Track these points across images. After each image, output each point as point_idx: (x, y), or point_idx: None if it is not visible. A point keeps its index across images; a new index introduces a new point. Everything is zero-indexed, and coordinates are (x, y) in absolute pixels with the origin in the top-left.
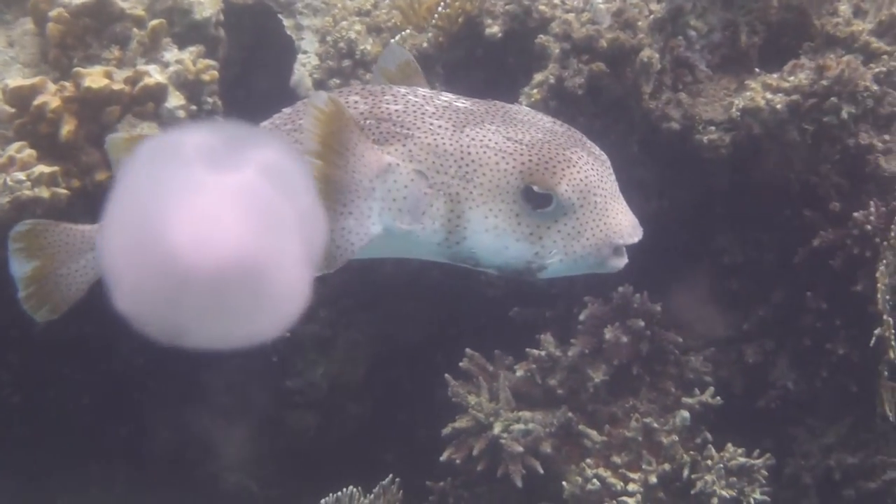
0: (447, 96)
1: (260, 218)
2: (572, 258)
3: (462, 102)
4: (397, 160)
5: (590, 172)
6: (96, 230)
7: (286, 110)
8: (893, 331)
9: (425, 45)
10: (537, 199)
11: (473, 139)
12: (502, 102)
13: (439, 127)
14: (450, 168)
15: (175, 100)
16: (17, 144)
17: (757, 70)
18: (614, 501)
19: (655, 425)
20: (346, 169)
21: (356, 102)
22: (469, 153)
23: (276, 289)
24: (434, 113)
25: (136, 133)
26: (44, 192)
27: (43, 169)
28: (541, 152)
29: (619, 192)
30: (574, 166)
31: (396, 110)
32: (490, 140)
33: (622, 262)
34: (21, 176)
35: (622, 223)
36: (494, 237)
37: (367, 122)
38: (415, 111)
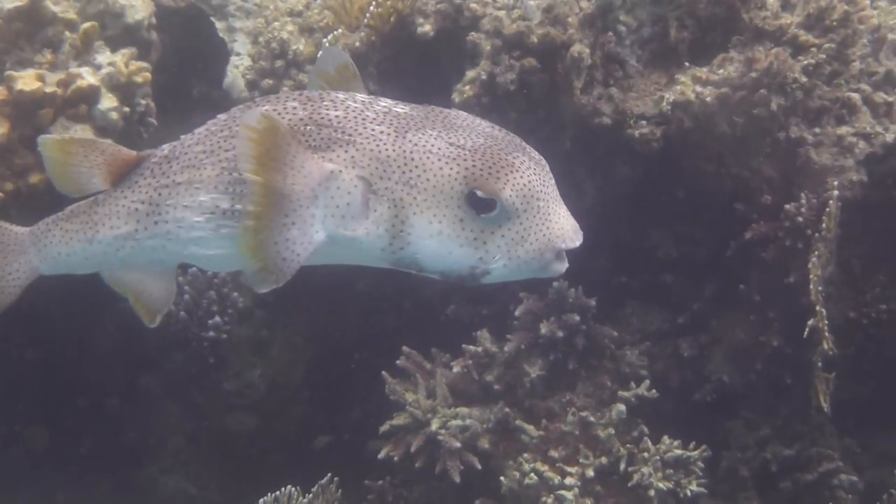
0: (386, 102)
1: None
2: (516, 263)
3: (401, 108)
4: (339, 167)
5: (532, 177)
6: (28, 233)
7: (221, 116)
8: (826, 322)
9: (358, 44)
10: (481, 205)
11: (416, 144)
12: (440, 107)
13: (381, 132)
14: (393, 174)
15: (108, 102)
16: None
17: (687, 64)
18: (552, 495)
19: (592, 419)
20: (286, 182)
21: (294, 108)
22: (412, 159)
23: None
24: (375, 119)
25: (67, 135)
26: None
27: None
28: (484, 157)
29: (559, 197)
30: (517, 171)
31: (336, 116)
32: (433, 145)
33: (563, 266)
34: None
35: (564, 227)
36: (438, 243)
37: (307, 127)
38: (355, 117)
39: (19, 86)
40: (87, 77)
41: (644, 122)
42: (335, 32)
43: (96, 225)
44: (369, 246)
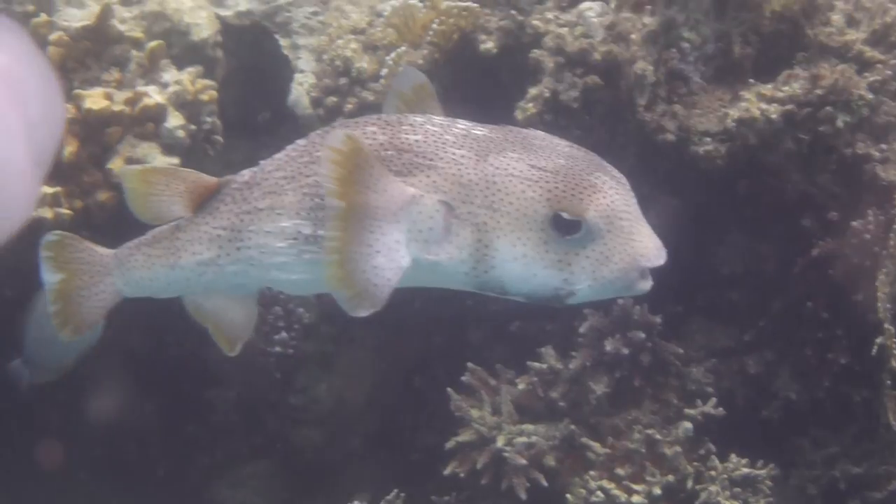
0: (463, 124)
1: None
2: (601, 283)
3: (479, 130)
4: (421, 191)
5: (615, 197)
6: (113, 256)
7: (300, 142)
8: (895, 339)
9: (421, 61)
10: (566, 227)
11: (497, 168)
12: (517, 128)
13: (462, 156)
14: (475, 198)
15: (174, 120)
16: None
17: (751, 81)
18: None
19: (658, 437)
20: (369, 206)
21: (374, 133)
22: (494, 182)
23: None
24: (454, 142)
25: (148, 165)
26: (47, 213)
27: (45, 190)
28: (566, 179)
29: (641, 214)
30: (600, 192)
31: (416, 140)
32: (514, 168)
33: (648, 284)
34: None
35: (648, 246)
36: (523, 266)
37: (388, 153)
38: (435, 141)
39: (87, 104)
40: (154, 95)
41: (708, 139)
42: (398, 50)
43: (178, 251)
44: (453, 270)
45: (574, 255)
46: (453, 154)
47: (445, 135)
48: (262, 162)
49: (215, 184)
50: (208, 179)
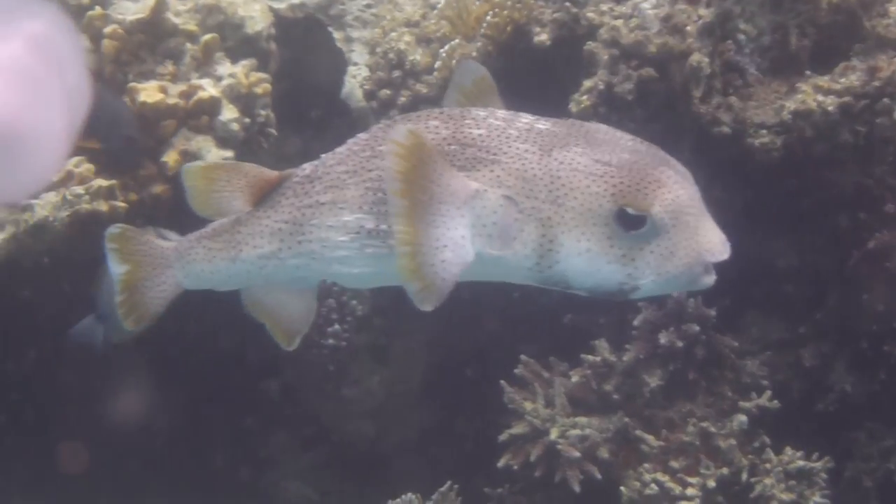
0: (526, 118)
1: (18, 86)
2: (665, 278)
3: (542, 124)
4: (485, 186)
5: (680, 192)
6: (173, 249)
7: (362, 136)
8: None
9: (474, 54)
10: (631, 222)
11: (562, 162)
12: (580, 122)
13: (526, 151)
14: (540, 192)
15: (229, 113)
16: (75, 159)
17: (807, 72)
18: None
19: (713, 429)
20: (433, 201)
21: (436, 127)
22: (559, 177)
23: (28, 156)
24: (518, 136)
25: (210, 161)
26: (102, 206)
27: (101, 183)
28: (631, 174)
29: (705, 208)
30: (665, 186)
31: (480, 135)
32: (578, 163)
33: (712, 279)
34: (80, 190)
35: (712, 240)
36: (587, 260)
37: (451, 147)
38: (498, 135)
39: (142, 98)
40: (209, 88)
41: (764, 132)
42: (452, 43)
43: (239, 244)
44: (516, 265)
45: (638, 250)
46: (517, 149)
47: (509, 129)
48: (323, 156)
49: (276, 178)
50: (269, 173)
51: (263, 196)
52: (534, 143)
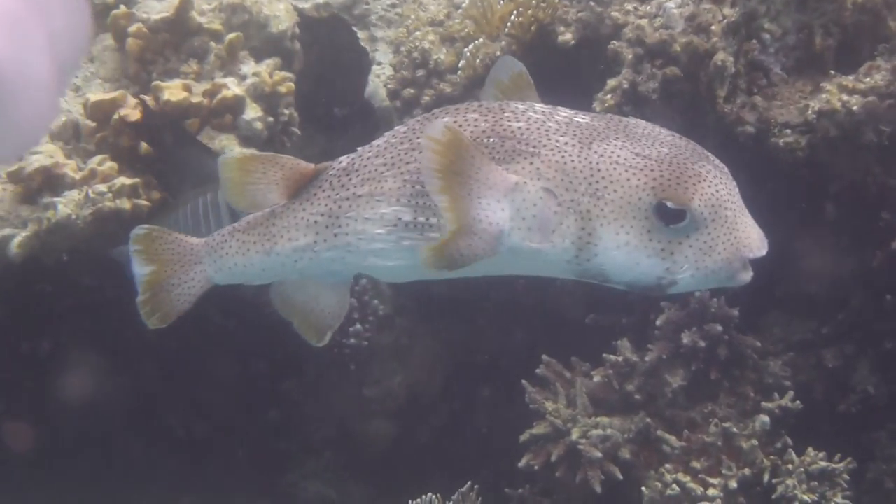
0: (565, 112)
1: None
2: (703, 273)
3: (581, 118)
4: (524, 178)
5: (720, 186)
6: (203, 244)
7: (400, 128)
8: None
9: (499, 53)
10: (670, 215)
11: (602, 155)
12: (619, 116)
13: (566, 143)
14: (580, 185)
15: (252, 112)
16: (98, 157)
17: (832, 72)
18: None
19: (735, 430)
20: (472, 196)
21: (476, 120)
22: (599, 170)
23: (16, 107)
24: (557, 129)
25: (247, 152)
26: (125, 204)
27: (124, 181)
28: (671, 167)
29: (744, 204)
30: (705, 180)
31: (519, 127)
32: (619, 156)
33: (749, 275)
34: (103, 188)
35: (751, 236)
36: (626, 254)
37: (490, 139)
38: (538, 128)
39: (166, 96)
40: (233, 87)
41: (789, 131)
42: (476, 42)
43: (274, 237)
44: (555, 258)
45: (677, 245)
46: (557, 141)
47: (548, 122)
48: (359, 148)
49: (312, 170)
50: (305, 166)
51: (299, 189)
52: (573, 136)
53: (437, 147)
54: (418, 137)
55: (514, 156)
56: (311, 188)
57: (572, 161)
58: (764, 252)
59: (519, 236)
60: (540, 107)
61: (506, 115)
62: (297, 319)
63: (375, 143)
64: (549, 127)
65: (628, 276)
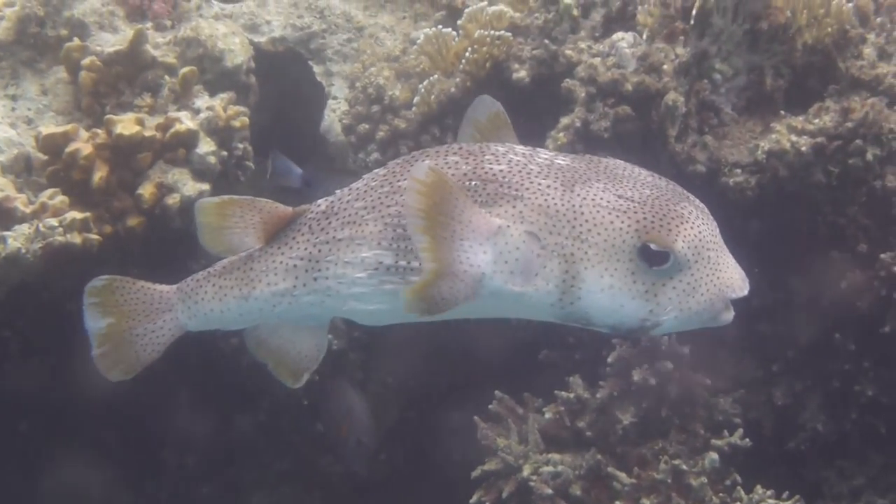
0: (546, 154)
1: None
2: (687, 315)
3: (562, 160)
4: (507, 222)
5: (702, 227)
6: (175, 291)
7: (380, 171)
8: None
9: (453, 90)
10: (654, 258)
11: (585, 199)
12: (597, 157)
13: (548, 187)
14: (563, 228)
15: (206, 146)
16: (49, 191)
17: (782, 113)
18: None
19: (685, 467)
20: (455, 238)
21: (457, 163)
22: (582, 213)
23: None
24: (539, 172)
25: (226, 197)
26: (76, 238)
27: (75, 215)
28: (654, 209)
29: (724, 245)
30: (687, 222)
31: (501, 170)
32: (601, 199)
33: (731, 315)
34: (53, 222)
35: (733, 276)
36: (610, 297)
37: (472, 182)
38: (519, 171)
39: (119, 129)
40: (186, 121)
41: (739, 171)
42: (431, 78)
43: (252, 282)
44: (538, 301)
45: (661, 287)
46: (539, 184)
47: (529, 165)
48: (338, 191)
49: (290, 214)
50: (283, 209)
51: (276, 232)
52: (555, 179)
53: (421, 188)
54: (399, 180)
55: (497, 199)
56: (289, 232)
57: (555, 204)
58: (746, 291)
59: (502, 279)
60: (520, 149)
61: (487, 157)
62: (273, 362)
63: (354, 185)
64: (531, 170)
65: (612, 319)
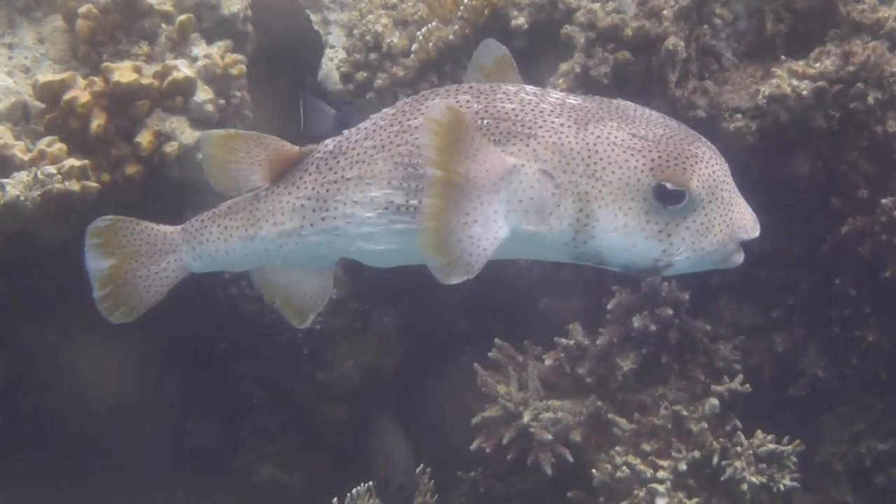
0: (557, 94)
1: None
2: (699, 255)
3: (573, 99)
4: (521, 161)
5: (716, 168)
6: (179, 232)
7: (388, 111)
8: None
9: (451, 37)
10: (669, 197)
11: (599, 136)
12: (608, 98)
13: (561, 125)
14: (577, 167)
15: (203, 94)
16: (47, 139)
17: (783, 57)
18: (644, 489)
19: (685, 413)
20: (469, 176)
21: (468, 102)
22: (596, 151)
23: None
24: (552, 111)
25: (231, 130)
26: (74, 186)
27: (73, 163)
28: (668, 149)
29: (736, 186)
30: (702, 161)
31: (513, 109)
32: (616, 137)
33: (742, 256)
34: (52, 170)
35: (745, 217)
36: (623, 236)
37: (484, 121)
38: (532, 110)
39: (116, 77)
40: (184, 69)
41: (739, 116)
42: (429, 25)
43: (259, 222)
44: (552, 241)
45: (674, 227)
46: (552, 123)
47: (542, 104)
48: (345, 131)
49: (297, 153)
50: (290, 148)
51: (282, 171)
52: (568, 118)
53: (437, 128)
54: (408, 120)
55: (510, 137)
56: (295, 171)
57: (569, 143)
58: (757, 233)
59: (516, 219)
60: (531, 88)
61: (498, 96)
62: (280, 300)
63: (362, 125)
64: (543, 108)
65: (625, 259)
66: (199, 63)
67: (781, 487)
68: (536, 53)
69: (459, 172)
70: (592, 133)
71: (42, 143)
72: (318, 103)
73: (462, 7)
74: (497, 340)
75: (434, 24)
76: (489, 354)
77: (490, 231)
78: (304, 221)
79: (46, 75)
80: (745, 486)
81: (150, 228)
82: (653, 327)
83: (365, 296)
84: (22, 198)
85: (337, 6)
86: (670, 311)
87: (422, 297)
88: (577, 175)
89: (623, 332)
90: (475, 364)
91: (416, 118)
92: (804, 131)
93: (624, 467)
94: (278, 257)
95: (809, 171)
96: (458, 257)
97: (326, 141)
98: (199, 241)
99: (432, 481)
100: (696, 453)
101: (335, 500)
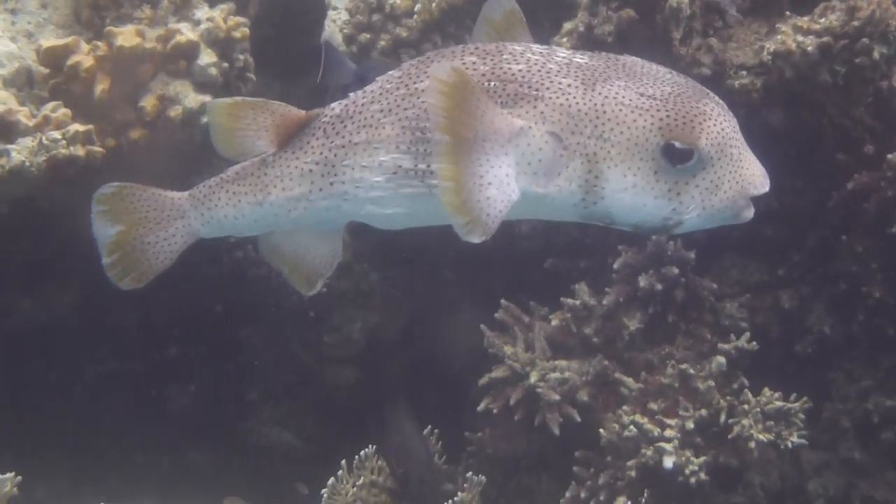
0: (564, 52)
1: None
2: (709, 212)
3: (580, 58)
4: (529, 122)
5: (724, 124)
6: (187, 197)
7: (394, 73)
8: None
9: None
10: (678, 156)
11: (606, 97)
12: (615, 55)
13: (569, 86)
14: (585, 128)
15: (207, 57)
16: (51, 104)
17: (788, 13)
18: (652, 447)
19: (692, 371)
20: (477, 139)
21: (474, 63)
22: (604, 112)
23: None
24: (559, 71)
25: (238, 98)
26: (79, 151)
27: (78, 128)
28: (676, 107)
29: (745, 141)
30: (710, 119)
31: (520, 70)
32: (623, 97)
33: (752, 212)
34: (56, 135)
35: (755, 173)
36: (632, 196)
37: (491, 83)
38: (539, 70)
39: (119, 42)
40: (187, 32)
41: (744, 73)
42: None
43: (267, 187)
44: (561, 202)
45: (684, 185)
46: (560, 83)
47: (548, 63)
48: (351, 94)
49: (303, 117)
50: (296, 113)
51: (289, 137)
52: (576, 78)
53: (443, 88)
54: (415, 83)
55: (518, 99)
56: (303, 136)
57: (577, 103)
58: (767, 188)
59: (525, 181)
60: (537, 47)
61: (504, 57)
62: (288, 268)
63: (369, 88)
64: (550, 69)
65: (635, 218)
66: (202, 26)
67: (789, 444)
68: (539, 12)
69: (467, 136)
70: (600, 94)
71: (46, 109)
72: (339, 56)
73: None
74: (503, 301)
75: None
76: (495, 315)
77: (504, 193)
78: (312, 186)
79: (50, 40)
80: (752, 444)
81: (158, 194)
82: (659, 286)
83: (370, 258)
84: (27, 163)
85: None
86: (676, 270)
87: (428, 259)
88: (585, 136)
89: (629, 292)
90: (482, 325)
91: (422, 81)
92: (809, 88)
93: (631, 426)
94: (287, 222)
95: (814, 126)
96: (477, 217)
97: (333, 104)
98: (207, 206)
99: (440, 442)
100: (704, 412)
101: (343, 462)
